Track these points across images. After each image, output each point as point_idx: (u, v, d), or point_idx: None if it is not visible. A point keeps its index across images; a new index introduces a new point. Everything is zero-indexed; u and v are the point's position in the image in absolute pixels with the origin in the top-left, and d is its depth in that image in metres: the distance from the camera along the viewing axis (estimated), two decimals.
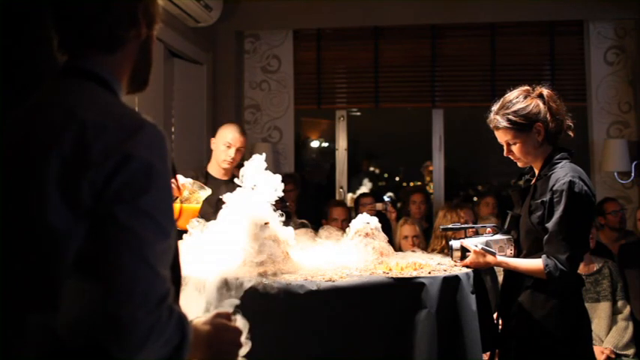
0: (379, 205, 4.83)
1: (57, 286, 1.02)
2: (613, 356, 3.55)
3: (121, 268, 1.00)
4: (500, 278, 3.04)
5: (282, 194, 2.46)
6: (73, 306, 1.00)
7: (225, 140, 3.54)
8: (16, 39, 1.53)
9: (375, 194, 5.95)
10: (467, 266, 2.39)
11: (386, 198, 5.22)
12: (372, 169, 9.00)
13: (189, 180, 2.47)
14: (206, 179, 3.46)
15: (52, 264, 1.04)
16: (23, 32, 1.53)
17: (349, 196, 6.20)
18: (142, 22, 1.20)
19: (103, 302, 0.98)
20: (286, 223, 2.50)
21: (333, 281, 2.18)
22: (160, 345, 1.03)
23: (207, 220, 2.38)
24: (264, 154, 2.49)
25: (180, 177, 2.43)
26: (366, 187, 7.20)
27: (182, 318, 1.08)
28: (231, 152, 3.53)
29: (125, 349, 0.98)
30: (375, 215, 2.74)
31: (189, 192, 2.42)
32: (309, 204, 5.55)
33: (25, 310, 1.05)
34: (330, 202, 4.62)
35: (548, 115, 2.32)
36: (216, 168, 3.60)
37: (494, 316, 2.51)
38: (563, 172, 2.25)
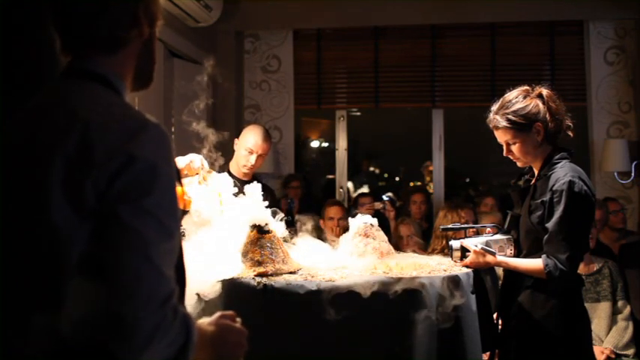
0: (377, 205, 4.83)
1: (60, 287, 1.02)
2: (613, 356, 3.55)
3: (124, 268, 0.99)
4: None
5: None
6: (77, 306, 1.00)
7: (247, 145, 3.41)
8: (18, 40, 1.53)
9: (375, 194, 5.95)
10: (467, 266, 2.39)
11: (385, 197, 5.22)
12: (372, 169, 9.00)
13: (205, 169, 2.43)
14: None
15: (56, 264, 1.04)
16: (25, 33, 1.53)
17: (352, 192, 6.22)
18: (143, 22, 1.20)
19: (106, 302, 0.98)
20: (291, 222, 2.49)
21: (333, 281, 2.18)
22: (165, 345, 1.02)
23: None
24: None
25: (197, 157, 2.42)
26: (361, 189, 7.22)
27: (187, 318, 1.08)
28: (252, 159, 3.40)
29: (129, 349, 0.98)
30: (373, 215, 2.74)
31: (202, 177, 2.40)
32: (312, 204, 5.57)
33: (28, 310, 1.05)
34: (326, 202, 4.62)
35: (547, 115, 2.32)
36: (236, 168, 3.49)
37: (495, 316, 2.51)
38: (563, 172, 2.25)
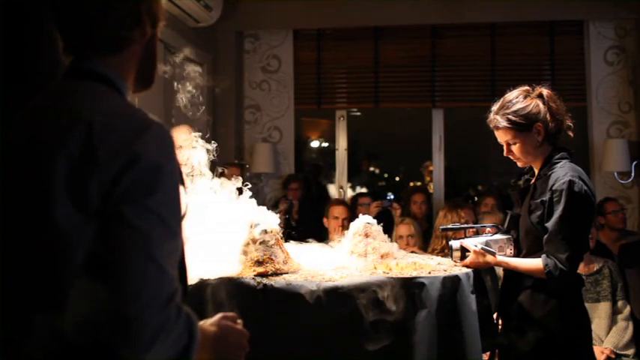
0: (384, 202, 4.85)
1: (65, 287, 1.02)
2: (613, 356, 3.55)
3: (129, 268, 1.00)
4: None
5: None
6: (81, 306, 1.00)
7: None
8: (21, 41, 1.53)
9: (375, 194, 5.96)
10: (467, 266, 2.39)
11: (389, 196, 5.23)
12: (372, 169, 9.00)
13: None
14: None
15: (61, 265, 1.04)
16: (27, 34, 1.53)
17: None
18: (146, 22, 1.20)
19: (111, 302, 0.98)
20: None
21: (333, 281, 2.18)
22: (169, 345, 1.02)
23: None
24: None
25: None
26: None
27: (190, 318, 1.08)
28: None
29: (134, 348, 0.98)
30: (381, 212, 2.74)
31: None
32: (312, 203, 5.57)
33: (33, 310, 1.05)
34: (331, 201, 4.62)
35: (548, 115, 2.32)
36: None
37: (495, 316, 2.51)
38: (563, 172, 2.25)
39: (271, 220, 2.40)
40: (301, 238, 2.77)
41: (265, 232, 2.34)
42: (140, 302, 0.99)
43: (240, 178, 2.59)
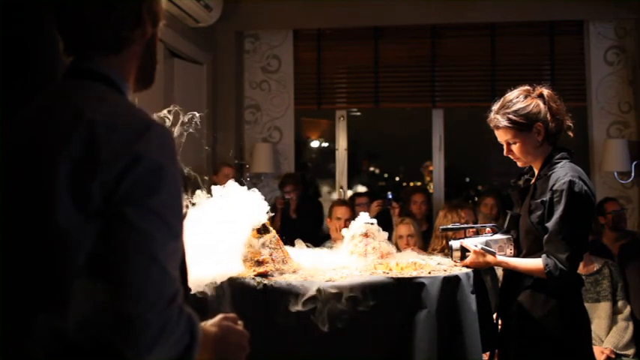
0: (385, 202, 4.84)
1: (66, 287, 1.02)
2: (613, 356, 3.55)
3: (131, 269, 1.00)
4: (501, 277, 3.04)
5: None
6: (83, 307, 1.00)
7: None
8: (21, 41, 1.53)
9: (374, 193, 5.96)
10: (467, 266, 2.39)
11: (389, 195, 5.21)
12: (372, 169, 9.00)
13: None
14: None
15: (62, 265, 1.03)
16: (27, 34, 1.53)
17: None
18: (147, 22, 1.20)
19: (113, 303, 0.98)
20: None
21: (333, 281, 2.18)
22: (171, 345, 1.03)
23: None
24: None
25: None
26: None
27: (191, 318, 1.09)
28: None
29: (135, 349, 0.98)
30: (381, 212, 2.74)
31: None
32: (311, 202, 5.56)
33: (34, 310, 1.05)
34: (334, 202, 4.62)
35: (548, 115, 2.33)
36: None
37: (494, 316, 2.51)
38: (563, 172, 2.25)
39: (268, 220, 2.40)
40: (299, 237, 2.77)
41: (265, 232, 2.34)
42: (142, 303, 0.99)
43: (234, 177, 2.58)
